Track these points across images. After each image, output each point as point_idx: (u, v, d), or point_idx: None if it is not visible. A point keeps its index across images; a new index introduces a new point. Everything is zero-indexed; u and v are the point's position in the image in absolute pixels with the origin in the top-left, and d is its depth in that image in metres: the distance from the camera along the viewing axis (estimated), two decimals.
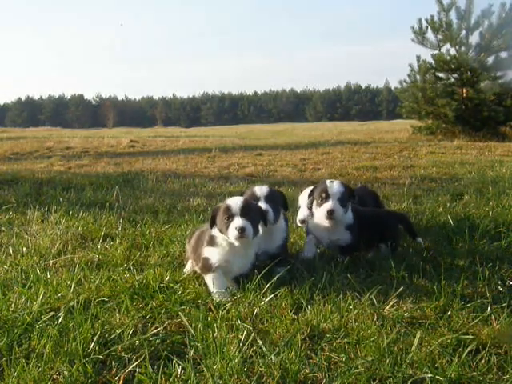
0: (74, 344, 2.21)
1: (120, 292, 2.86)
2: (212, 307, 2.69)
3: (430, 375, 1.99)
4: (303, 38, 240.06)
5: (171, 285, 2.99)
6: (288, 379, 2.01)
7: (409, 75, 17.66)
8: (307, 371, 2.07)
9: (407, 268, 3.16)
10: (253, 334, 2.31)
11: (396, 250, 3.65)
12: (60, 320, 2.46)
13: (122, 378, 2.05)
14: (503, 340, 2.28)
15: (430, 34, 17.21)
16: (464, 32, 16.64)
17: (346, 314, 2.55)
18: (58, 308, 2.65)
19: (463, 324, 2.45)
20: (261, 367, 2.08)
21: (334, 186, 3.48)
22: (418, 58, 17.20)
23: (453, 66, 16.46)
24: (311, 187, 3.77)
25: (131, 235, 4.11)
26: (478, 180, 6.85)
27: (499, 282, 2.98)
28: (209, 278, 2.97)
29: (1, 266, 3.38)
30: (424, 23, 17.14)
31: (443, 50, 17.10)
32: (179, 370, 2.06)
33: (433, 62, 16.83)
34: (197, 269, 3.13)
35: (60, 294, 2.80)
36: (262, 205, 3.24)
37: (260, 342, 2.25)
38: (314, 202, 3.59)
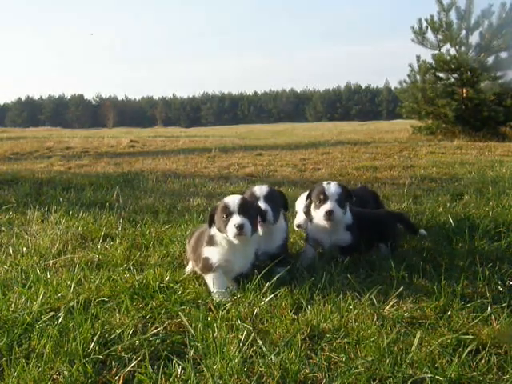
0: (74, 344, 2.21)
1: (120, 292, 2.86)
2: (212, 307, 2.69)
3: (429, 375, 1.99)
4: (303, 37, 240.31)
5: (171, 285, 2.99)
6: (288, 379, 2.01)
7: (409, 75, 17.66)
8: (307, 371, 2.07)
9: (407, 268, 3.16)
10: (253, 334, 2.31)
11: (396, 250, 3.65)
12: (60, 320, 2.46)
13: (121, 378, 2.05)
14: (503, 340, 2.28)
15: (430, 34, 17.23)
16: (464, 32, 16.65)
17: (346, 313, 2.55)
18: (58, 308, 2.65)
19: (463, 324, 2.45)
20: (261, 367, 2.08)
21: (332, 188, 3.48)
22: (418, 58, 17.21)
23: (453, 66, 16.46)
24: (307, 192, 3.76)
25: (131, 235, 4.11)
26: (478, 180, 6.85)
27: (499, 282, 2.98)
28: (209, 278, 2.97)
29: (1, 266, 3.38)
30: (424, 23, 17.15)
31: (443, 49, 17.11)
32: (179, 370, 2.06)
33: (433, 62, 16.83)
34: (197, 269, 3.13)
35: (60, 294, 2.80)
36: (262, 205, 3.23)
37: (260, 342, 2.25)
38: (312, 205, 3.58)
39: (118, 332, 2.37)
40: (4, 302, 2.66)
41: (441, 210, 4.92)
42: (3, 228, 4.47)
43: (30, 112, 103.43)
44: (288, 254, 3.51)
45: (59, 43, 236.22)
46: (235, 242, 2.95)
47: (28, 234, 4.20)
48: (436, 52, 17.10)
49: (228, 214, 2.94)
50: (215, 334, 2.33)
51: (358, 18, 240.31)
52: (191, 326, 2.42)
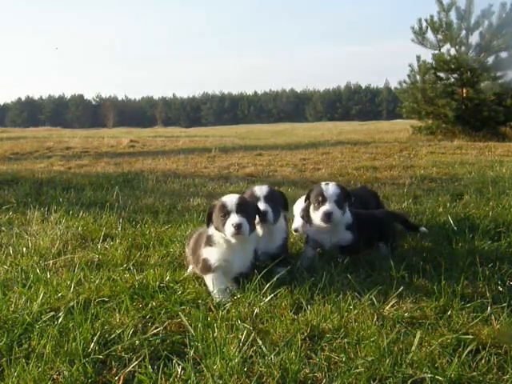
0: (74, 344, 2.21)
1: (120, 292, 2.86)
2: (212, 307, 2.69)
3: (429, 375, 1.99)
4: (303, 37, 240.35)
5: (171, 285, 2.99)
6: (288, 379, 2.01)
7: (409, 75, 17.66)
8: (307, 371, 2.07)
9: (407, 268, 3.16)
10: (253, 334, 2.30)
11: (396, 250, 3.66)
12: (60, 320, 2.46)
13: (121, 377, 2.05)
14: (503, 340, 2.28)
15: (430, 34, 17.24)
16: (464, 32, 16.65)
17: (346, 313, 2.55)
18: (58, 308, 2.65)
19: (463, 324, 2.45)
20: (261, 367, 2.08)
21: (330, 189, 3.46)
22: (418, 58, 17.22)
23: (453, 66, 16.46)
24: (306, 194, 3.76)
25: (131, 235, 4.11)
26: (478, 180, 6.85)
27: (499, 282, 2.98)
28: (208, 279, 2.97)
29: (1, 265, 3.38)
30: (424, 23, 17.16)
31: (443, 49, 17.12)
32: (179, 370, 2.06)
33: (433, 62, 16.84)
34: (197, 270, 3.13)
35: (60, 294, 2.80)
36: (262, 205, 3.23)
37: (260, 342, 2.25)
38: (311, 206, 3.57)
39: (118, 332, 2.37)
40: (4, 302, 2.66)
41: (441, 210, 4.92)
42: (3, 228, 4.47)
43: (30, 112, 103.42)
44: (288, 254, 3.50)
45: (59, 43, 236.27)
46: (233, 241, 2.95)
47: (28, 234, 4.20)
48: (436, 52, 17.11)
49: (226, 213, 2.94)
50: (215, 334, 2.33)
51: (357, 18, 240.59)
52: (191, 326, 2.42)
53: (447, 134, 16.63)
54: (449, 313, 2.55)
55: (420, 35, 17.29)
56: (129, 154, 11.95)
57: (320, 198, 3.45)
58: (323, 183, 3.56)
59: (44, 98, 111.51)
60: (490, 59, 16.55)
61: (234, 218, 2.90)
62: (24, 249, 3.76)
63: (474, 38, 16.57)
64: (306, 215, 3.71)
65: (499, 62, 16.34)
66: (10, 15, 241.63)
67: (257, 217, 3.13)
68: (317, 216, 3.47)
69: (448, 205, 5.14)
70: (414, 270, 3.17)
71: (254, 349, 2.22)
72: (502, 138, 15.72)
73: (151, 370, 2.06)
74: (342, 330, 2.38)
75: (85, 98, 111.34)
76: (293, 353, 2.16)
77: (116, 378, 2.06)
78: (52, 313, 2.57)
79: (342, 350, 2.23)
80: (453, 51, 16.87)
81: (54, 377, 2.06)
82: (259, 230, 3.33)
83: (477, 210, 4.78)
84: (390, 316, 2.53)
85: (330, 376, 2.04)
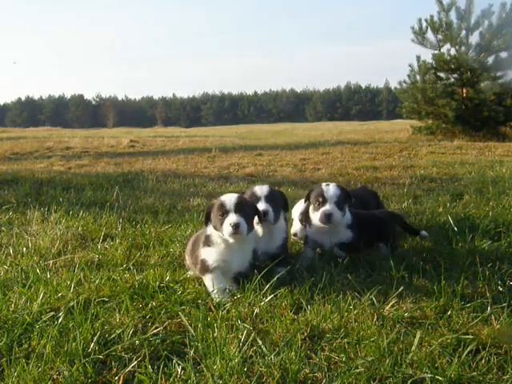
0: (74, 344, 2.21)
1: (120, 292, 2.86)
2: (212, 307, 2.69)
3: (429, 375, 1.99)
4: (303, 37, 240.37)
5: (171, 285, 2.99)
6: (288, 379, 2.01)
7: (409, 75, 17.67)
8: (307, 371, 2.07)
9: (407, 268, 3.16)
10: (253, 334, 2.30)
11: (395, 250, 3.65)
12: (60, 320, 2.46)
13: (121, 378, 2.05)
14: (503, 340, 2.28)
15: (430, 34, 17.24)
16: (464, 32, 16.65)
17: (346, 314, 2.55)
18: (58, 308, 2.65)
19: (463, 324, 2.45)
20: (261, 367, 2.08)
21: (330, 190, 3.45)
22: (418, 58, 17.22)
23: (453, 66, 16.46)
24: (302, 200, 3.76)
25: (131, 235, 4.11)
26: (478, 180, 6.85)
27: (499, 282, 2.98)
28: (208, 279, 2.97)
29: (1, 265, 3.38)
30: (424, 23, 17.17)
31: (443, 50, 17.12)
32: (179, 370, 2.06)
33: (433, 62, 16.84)
34: (196, 272, 3.13)
35: (60, 294, 2.80)
36: (263, 205, 3.24)
37: (260, 342, 2.25)
38: (311, 207, 3.56)
39: (118, 332, 2.37)
40: (4, 302, 2.66)
41: (441, 210, 4.92)
42: (3, 228, 4.47)
43: (30, 112, 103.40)
44: (288, 254, 3.50)
45: (59, 43, 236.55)
46: (231, 240, 2.95)
47: (28, 234, 4.20)
48: (436, 52, 17.11)
49: (224, 212, 2.94)
50: (215, 334, 2.33)
51: (357, 18, 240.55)
52: (191, 326, 2.42)
53: (447, 133, 16.63)
54: (449, 313, 2.55)
55: (420, 35, 17.29)
56: (129, 154, 11.95)
57: (320, 199, 3.44)
58: (323, 184, 3.54)
59: (44, 98, 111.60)
60: (490, 59, 16.57)
61: (232, 218, 2.90)
62: (24, 249, 3.76)
63: (474, 38, 16.60)
64: (305, 217, 3.70)
65: (499, 62, 16.34)
66: (9, 15, 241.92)
67: (255, 216, 3.13)
68: (317, 217, 3.46)
69: (448, 205, 5.14)
70: (414, 270, 3.17)
71: (254, 349, 2.22)
72: (502, 138, 15.72)
73: (151, 370, 2.06)
74: (342, 330, 2.38)
75: (85, 98, 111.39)
76: (293, 353, 2.16)
77: (116, 378, 2.06)
78: (52, 313, 2.57)
79: (342, 350, 2.23)
80: (453, 51, 16.90)
81: (54, 377, 2.06)
82: (259, 229, 3.33)
83: (477, 210, 4.78)
84: (390, 316, 2.53)
85: (330, 376, 2.04)
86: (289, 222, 3.82)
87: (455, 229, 3.98)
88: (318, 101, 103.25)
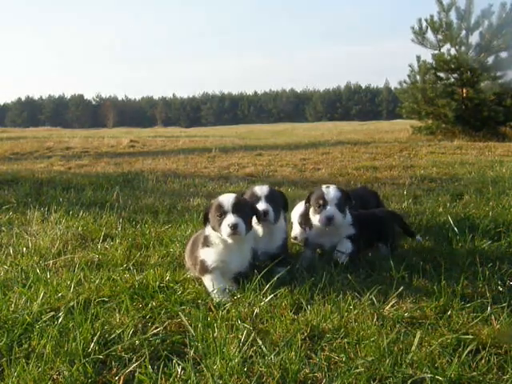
0: (73, 344, 2.21)
1: (120, 292, 2.86)
2: (212, 307, 2.69)
3: (429, 375, 1.99)
4: (303, 37, 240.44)
5: (171, 285, 2.99)
6: (288, 379, 2.01)
7: (409, 75, 17.67)
8: (307, 371, 2.07)
9: (407, 268, 3.16)
10: (253, 334, 2.30)
11: (396, 250, 3.65)
12: (60, 320, 2.46)
13: (122, 378, 2.05)
14: (503, 340, 2.28)
15: (430, 34, 17.25)
16: (464, 32, 16.66)
17: (346, 313, 2.55)
18: (58, 308, 2.65)
19: (463, 324, 2.45)
20: (261, 367, 2.08)
21: (331, 192, 3.43)
22: (418, 58, 17.23)
23: (453, 66, 16.46)
24: (302, 202, 3.75)
25: (131, 235, 4.11)
26: (478, 180, 6.85)
27: (499, 282, 2.98)
28: (207, 279, 2.97)
29: (1, 265, 3.38)
30: (424, 23, 17.17)
31: (443, 50, 17.12)
32: (179, 370, 2.06)
33: (433, 62, 16.84)
34: (196, 273, 3.12)
35: (60, 294, 2.80)
36: (263, 205, 3.23)
37: (260, 342, 2.25)
38: (311, 209, 3.55)
39: (118, 332, 2.37)
40: (4, 302, 2.66)
41: (441, 210, 4.92)
42: (3, 228, 4.47)
43: (30, 112, 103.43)
44: (288, 254, 3.50)
45: (59, 43, 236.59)
46: (229, 241, 2.95)
47: (28, 234, 4.20)
48: (436, 52, 17.11)
49: (222, 213, 2.93)
50: (215, 334, 2.33)
51: (357, 18, 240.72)
52: (191, 326, 2.42)
53: (447, 134, 16.63)
54: (449, 313, 2.55)
55: (420, 35, 17.29)
56: (129, 154, 11.95)
57: (321, 202, 3.42)
58: (324, 186, 3.52)
59: (44, 98, 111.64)
60: (490, 59, 16.57)
61: (230, 219, 2.89)
62: (24, 249, 3.76)
63: (474, 38, 16.61)
64: (304, 219, 3.68)
65: (499, 62, 16.34)
66: (10, 15, 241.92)
67: (254, 217, 3.12)
68: (318, 219, 3.44)
69: (448, 205, 5.14)
70: (414, 270, 3.17)
71: (254, 349, 2.22)
72: (502, 138, 15.72)
73: (151, 370, 2.06)
74: (342, 330, 2.38)
75: (85, 97, 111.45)
76: (293, 353, 2.15)
77: (116, 378, 2.06)
78: (52, 313, 2.57)
79: (342, 350, 2.23)
80: (453, 51, 16.90)
81: (54, 377, 2.06)
82: (259, 229, 3.33)
83: (477, 210, 4.78)
84: (390, 316, 2.53)
85: (330, 376, 2.04)
86: (288, 224, 3.82)
87: (455, 229, 3.98)
88: (317, 101, 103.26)
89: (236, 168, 9.03)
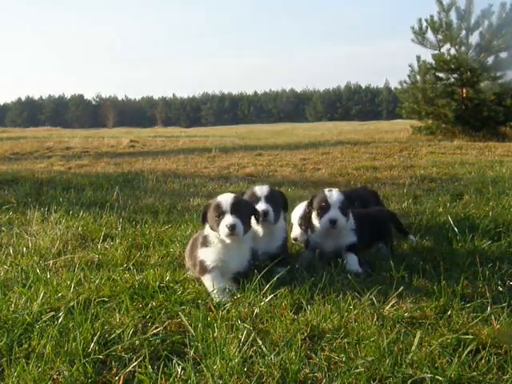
0: (74, 344, 2.21)
1: (120, 292, 2.86)
2: (212, 307, 2.69)
3: (429, 375, 1.99)
4: (303, 37, 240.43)
5: (171, 285, 2.99)
6: (288, 379, 2.01)
7: (409, 75, 17.68)
8: (307, 371, 2.07)
9: (407, 268, 3.16)
10: (253, 334, 2.30)
11: (394, 250, 3.65)
12: (60, 320, 2.46)
13: (122, 378, 2.04)
14: (503, 340, 2.28)
15: (430, 34, 17.25)
16: (464, 32, 16.66)
17: (346, 313, 2.55)
18: (58, 308, 2.65)
19: (463, 324, 2.45)
20: (261, 367, 2.08)
21: (334, 195, 3.42)
22: (418, 58, 17.24)
23: (453, 66, 16.46)
24: (301, 204, 3.74)
25: (131, 235, 4.11)
26: (478, 180, 6.85)
27: (499, 282, 2.98)
28: (207, 279, 2.97)
29: (1, 265, 3.38)
30: (424, 23, 17.18)
31: (443, 49, 17.13)
32: (179, 370, 2.06)
33: (433, 62, 16.84)
34: (196, 273, 3.12)
35: (60, 294, 2.80)
36: (263, 205, 3.23)
37: (260, 342, 2.25)
38: (314, 213, 3.54)
39: (118, 332, 2.37)
40: (4, 302, 2.66)
41: (441, 209, 4.92)
42: (3, 228, 4.47)
43: (30, 112, 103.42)
44: (288, 254, 3.50)
45: (59, 43, 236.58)
46: (227, 241, 2.94)
47: (28, 234, 4.20)
48: (436, 52, 17.11)
49: (220, 213, 2.93)
50: (215, 334, 2.33)
51: (357, 18, 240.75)
52: (191, 326, 2.42)
53: (447, 134, 16.63)
54: (449, 313, 2.55)
55: (420, 35, 17.30)
56: (129, 154, 11.95)
57: (324, 205, 3.41)
58: (326, 190, 3.51)
59: (44, 98, 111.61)
60: (490, 59, 16.57)
61: (228, 219, 2.89)
62: (24, 249, 3.76)
63: (474, 38, 16.61)
64: (305, 222, 3.67)
65: (499, 62, 16.35)
66: (10, 15, 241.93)
67: (252, 216, 3.12)
68: (321, 223, 3.43)
69: (448, 205, 5.14)
70: (414, 270, 3.17)
71: (254, 349, 2.22)
72: (502, 138, 15.72)
73: (151, 370, 2.06)
74: (342, 330, 2.38)
75: (85, 97, 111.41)
76: (293, 353, 2.15)
77: (116, 378, 2.06)
78: (52, 313, 2.57)
79: (342, 350, 2.23)
80: (453, 51, 16.90)
81: (54, 377, 2.06)
82: (259, 230, 3.33)
83: (477, 210, 4.78)
84: (390, 316, 2.53)
85: (330, 376, 2.04)
86: (288, 225, 3.82)
87: (455, 229, 3.98)
88: (317, 101, 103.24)
89: (236, 168, 9.03)
